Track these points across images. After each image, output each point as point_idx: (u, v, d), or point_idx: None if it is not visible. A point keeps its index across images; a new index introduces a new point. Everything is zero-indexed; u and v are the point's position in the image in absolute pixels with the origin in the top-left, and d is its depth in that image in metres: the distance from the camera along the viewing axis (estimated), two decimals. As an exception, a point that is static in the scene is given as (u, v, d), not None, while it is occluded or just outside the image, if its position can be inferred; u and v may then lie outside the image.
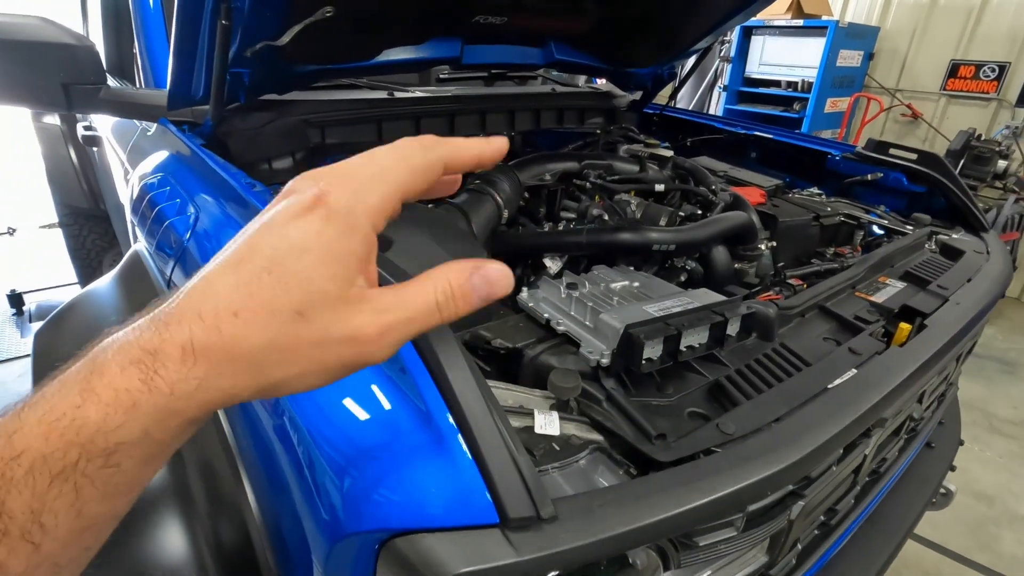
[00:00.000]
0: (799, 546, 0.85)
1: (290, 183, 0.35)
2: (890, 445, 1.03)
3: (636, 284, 0.89)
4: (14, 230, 4.68)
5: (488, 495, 0.51)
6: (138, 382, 0.30)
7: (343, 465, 0.57)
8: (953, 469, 1.39)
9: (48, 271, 3.99)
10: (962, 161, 4.19)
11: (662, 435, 0.64)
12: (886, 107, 5.12)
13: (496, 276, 0.37)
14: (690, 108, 6.53)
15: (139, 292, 1.05)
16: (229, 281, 0.32)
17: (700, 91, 6.58)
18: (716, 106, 5.88)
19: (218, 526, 0.86)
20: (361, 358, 0.34)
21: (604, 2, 1.58)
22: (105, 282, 1.15)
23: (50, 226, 4.17)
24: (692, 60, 2.10)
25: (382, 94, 1.63)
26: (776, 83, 5.27)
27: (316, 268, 0.32)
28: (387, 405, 0.58)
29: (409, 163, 0.36)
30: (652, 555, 0.63)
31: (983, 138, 4.31)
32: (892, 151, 1.68)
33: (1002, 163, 4.18)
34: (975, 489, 2.58)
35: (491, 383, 0.73)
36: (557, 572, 0.55)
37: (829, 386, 0.77)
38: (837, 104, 5.05)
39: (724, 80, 5.64)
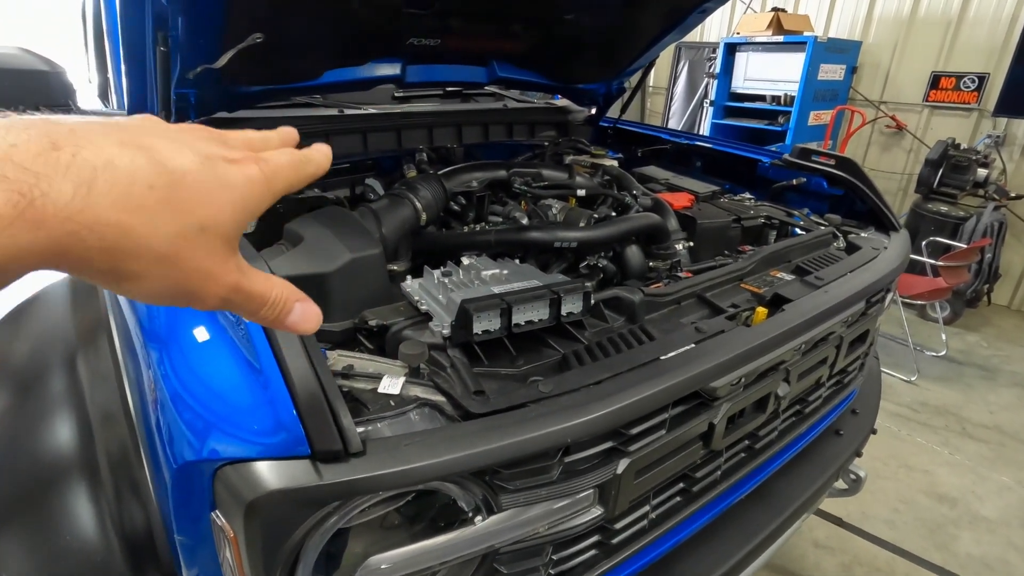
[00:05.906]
0: (649, 507, 0.93)
1: None
2: (761, 423, 1.11)
3: (505, 272, 0.99)
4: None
5: (303, 432, 0.62)
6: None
7: (196, 414, 0.68)
8: (859, 455, 1.45)
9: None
10: (941, 170, 4.23)
11: (480, 391, 0.74)
12: (870, 119, 5.18)
13: None
14: (681, 125, 6.65)
15: (83, 287, 1.18)
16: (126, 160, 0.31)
17: (691, 107, 6.71)
18: (706, 121, 5.99)
19: (122, 506, 0.96)
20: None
21: (534, 26, 1.71)
22: (59, 280, 1.29)
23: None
24: (639, 75, 2.23)
25: (334, 111, 1.77)
26: (761, 97, 5.36)
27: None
28: (228, 362, 0.69)
29: None
30: (475, 496, 0.73)
31: (962, 147, 4.35)
32: (815, 157, 1.78)
33: (982, 171, 4.21)
34: (939, 492, 2.60)
35: (357, 354, 0.84)
36: (380, 500, 0.65)
37: (662, 357, 0.87)
38: (820, 117, 5.13)
39: (712, 96, 5.75)
